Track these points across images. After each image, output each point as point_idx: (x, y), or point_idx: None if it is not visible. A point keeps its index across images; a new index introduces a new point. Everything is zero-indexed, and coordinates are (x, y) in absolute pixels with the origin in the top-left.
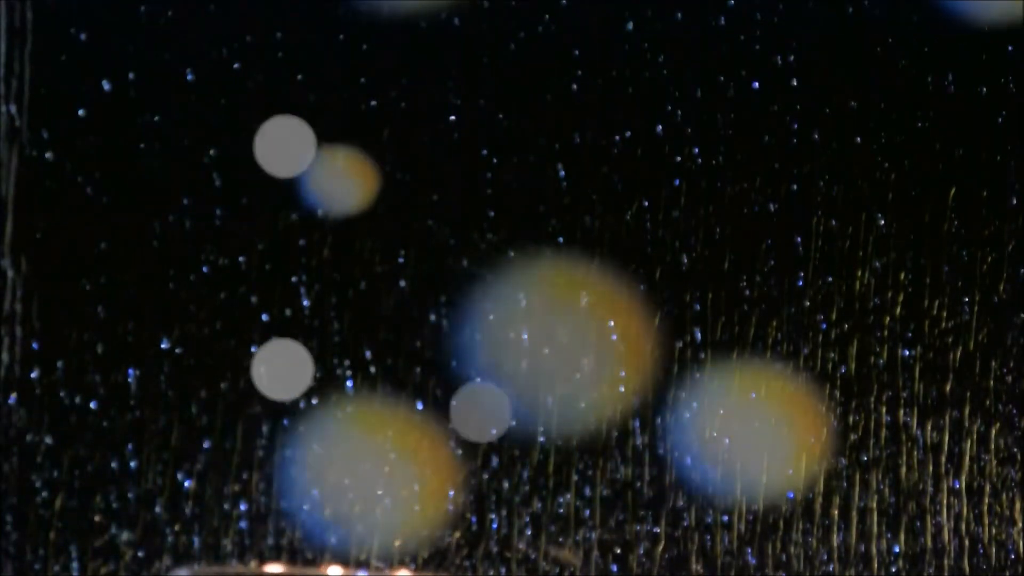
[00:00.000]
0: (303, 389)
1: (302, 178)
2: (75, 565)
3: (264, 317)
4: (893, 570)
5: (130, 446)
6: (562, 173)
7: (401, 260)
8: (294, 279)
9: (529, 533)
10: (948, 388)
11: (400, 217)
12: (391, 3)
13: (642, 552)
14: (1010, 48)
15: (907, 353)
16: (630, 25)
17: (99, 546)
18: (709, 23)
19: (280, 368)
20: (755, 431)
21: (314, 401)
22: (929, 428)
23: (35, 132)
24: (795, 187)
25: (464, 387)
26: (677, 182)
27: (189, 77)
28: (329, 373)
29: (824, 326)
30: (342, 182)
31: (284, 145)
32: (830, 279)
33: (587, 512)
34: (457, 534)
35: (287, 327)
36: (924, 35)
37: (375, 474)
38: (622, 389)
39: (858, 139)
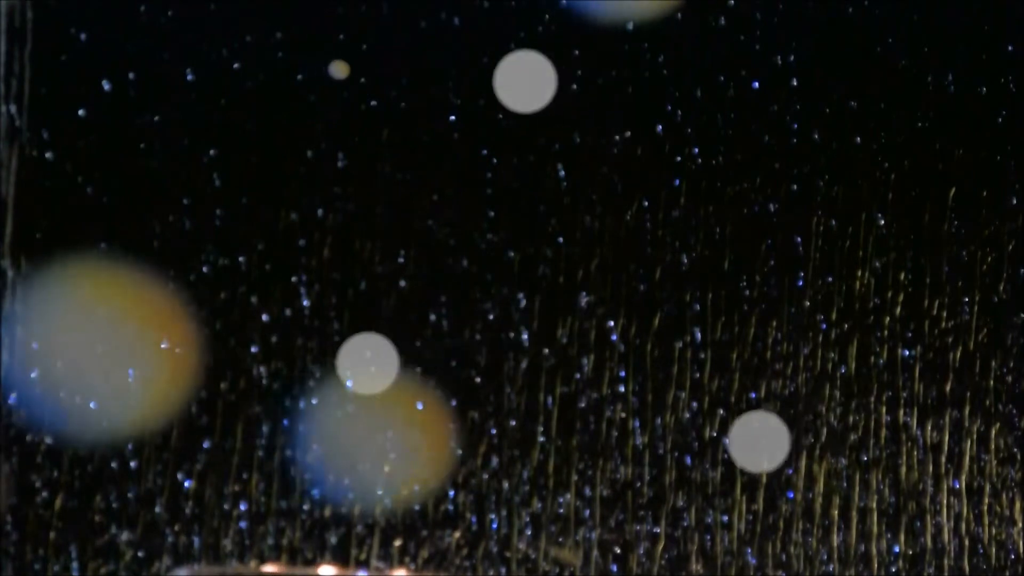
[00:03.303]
0: (388, 383)
1: None
2: (75, 565)
3: (264, 317)
4: (893, 570)
5: (130, 446)
6: (562, 173)
7: (401, 260)
8: (294, 279)
9: (529, 533)
10: (948, 388)
11: (400, 217)
12: (391, 3)
13: (642, 552)
14: (1010, 48)
15: (907, 353)
16: (630, 25)
17: (99, 546)
18: (709, 23)
19: (366, 362)
20: (756, 430)
21: (314, 401)
22: (929, 428)
23: (35, 132)
24: (795, 187)
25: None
26: (677, 182)
27: (189, 77)
28: (329, 373)
29: (824, 326)
30: None
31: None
32: (830, 279)
33: (587, 512)
34: (457, 534)
35: (287, 327)
36: (924, 35)
37: (375, 474)
38: (622, 389)
39: (858, 139)
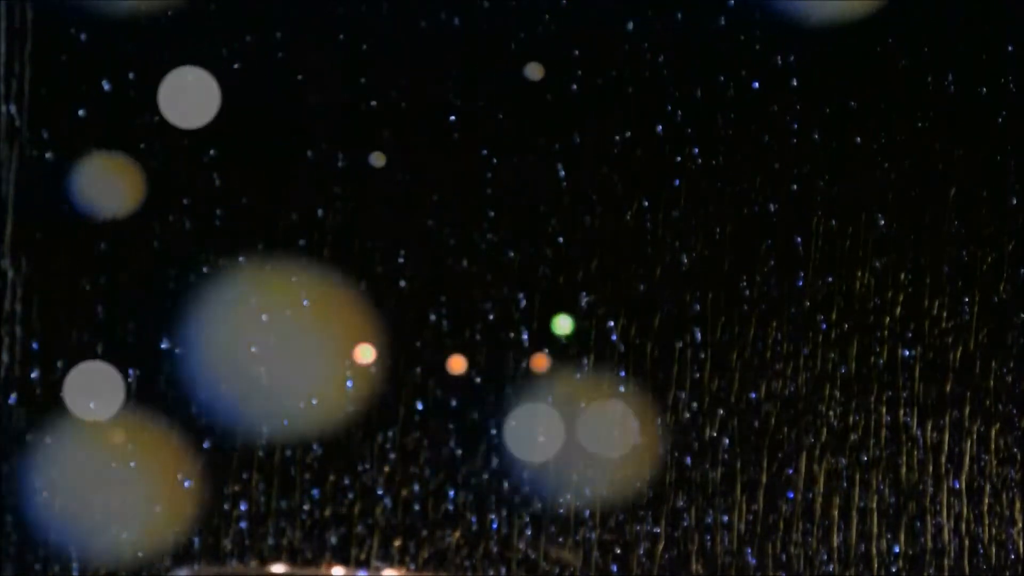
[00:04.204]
0: (115, 410)
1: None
2: (75, 565)
3: (264, 317)
4: (893, 570)
5: (131, 446)
6: (562, 173)
7: (401, 260)
8: (294, 279)
9: (529, 533)
10: (948, 388)
11: (400, 217)
12: (391, 3)
13: (642, 552)
14: (1010, 48)
15: (907, 353)
16: (630, 25)
17: (99, 546)
18: (709, 23)
19: (92, 389)
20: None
21: (314, 401)
22: (929, 428)
23: (35, 132)
24: (795, 187)
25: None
26: (677, 182)
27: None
28: (329, 373)
29: (824, 326)
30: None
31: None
32: (830, 279)
33: (587, 512)
34: (457, 534)
35: (287, 327)
36: (924, 35)
37: (375, 474)
38: (622, 389)
39: (858, 139)
